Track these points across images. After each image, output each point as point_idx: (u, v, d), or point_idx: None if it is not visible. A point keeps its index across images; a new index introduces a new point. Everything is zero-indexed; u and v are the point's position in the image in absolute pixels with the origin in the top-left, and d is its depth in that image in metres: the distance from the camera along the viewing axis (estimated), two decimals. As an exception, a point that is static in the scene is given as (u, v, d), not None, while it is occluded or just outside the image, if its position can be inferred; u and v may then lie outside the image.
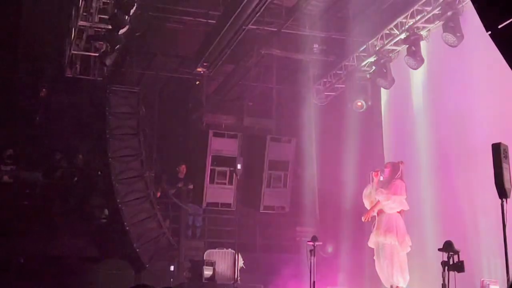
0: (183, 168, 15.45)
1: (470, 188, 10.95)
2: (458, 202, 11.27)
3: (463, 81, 11.46)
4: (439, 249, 7.68)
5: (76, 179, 15.70)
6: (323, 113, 15.02)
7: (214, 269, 13.62)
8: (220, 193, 14.48)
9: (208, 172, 14.23)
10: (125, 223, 13.54)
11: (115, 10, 11.48)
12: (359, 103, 14.19)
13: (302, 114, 15.34)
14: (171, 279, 13.27)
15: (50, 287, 12.35)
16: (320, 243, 11.01)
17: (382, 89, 13.99)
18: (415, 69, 12.42)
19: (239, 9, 11.76)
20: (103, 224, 14.95)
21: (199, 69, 14.73)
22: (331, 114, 14.78)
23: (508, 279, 6.74)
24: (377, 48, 13.30)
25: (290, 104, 15.88)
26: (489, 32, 4.32)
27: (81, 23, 13.17)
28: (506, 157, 6.90)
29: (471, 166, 10.83)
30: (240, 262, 13.73)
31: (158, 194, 14.96)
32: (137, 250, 13.50)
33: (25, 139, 15.58)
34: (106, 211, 14.90)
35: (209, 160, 14.22)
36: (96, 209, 15.50)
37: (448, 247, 7.63)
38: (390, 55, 13.40)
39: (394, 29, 12.66)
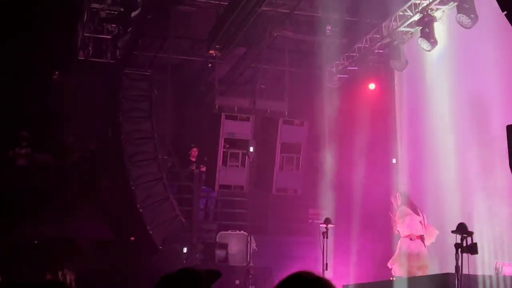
0: (194, 151, 15.47)
1: (485, 169, 10.91)
2: (473, 184, 11.23)
3: (477, 63, 11.38)
4: (453, 231, 7.65)
5: (89, 161, 15.77)
6: (336, 96, 14.96)
7: (226, 251, 13.69)
8: (232, 175, 14.48)
9: (220, 155, 14.23)
10: (138, 206, 13.61)
11: (128, -8, 11.47)
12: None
13: (314, 96, 15.29)
14: (184, 261, 13.33)
15: (64, 268, 12.43)
16: (333, 225, 11.03)
17: (395, 71, 13.91)
18: (429, 51, 12.33)
19: (251, -9, 11.71)
20: (116, 207, 15.03)
21: (211, 52, 14.69)
22: (343, 96, 14.72)
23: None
24: (391, 30, 13.21)
25: (302, 87, 15.83)
26: (505, 12, 4.28)
27: (93, 5, 13.19)
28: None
29: (487, 148, 10.79)
30: (253, 244, 13.78)
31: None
32: (150, 232, 13.57)
33: (38, 122, 15.64)
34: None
35: (221, 142, 14.21)
36: (109, 192, 15.59)
37: (461, 229, 7.60)
38: (404, 37, 13.31)
39: (408, 10, 12.56)
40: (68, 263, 12.72)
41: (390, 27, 13.20)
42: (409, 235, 11.37)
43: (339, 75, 15.18)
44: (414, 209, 11.54)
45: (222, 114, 14.26)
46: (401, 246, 11.36)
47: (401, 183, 13.58)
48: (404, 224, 11.38)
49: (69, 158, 15.73)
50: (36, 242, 13.83)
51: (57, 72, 16.28)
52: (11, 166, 15.04)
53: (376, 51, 14.00)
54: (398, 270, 11.20)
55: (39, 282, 1.20)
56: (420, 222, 11.42)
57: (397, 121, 14.03)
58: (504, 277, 9.44)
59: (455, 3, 11.53)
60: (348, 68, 14.91)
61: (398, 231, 11.44)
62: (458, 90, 12.06)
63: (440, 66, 12.68)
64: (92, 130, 16.20)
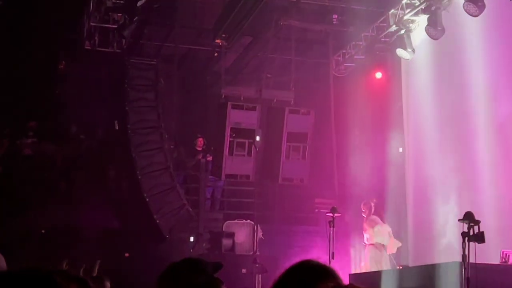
0: (200, 141, 15.48)
1: (494, 159, 10.88)
2: (479, 172, 11.21)
3: (486, 52, 11.32)
4: (459, 220, 7.64)
5: (95, 151, 15.80)
6: (342, 85, 14.92)
7: (233, 240, 13.71)
8: (239, 165, 14.49)
9: (227, 144, 14.23)
10: (145, 195, 13.64)
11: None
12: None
13: (321, 86, 15.26)
14: (191, 250, 13.37)
15: (71, 258, 12.48)
16: (339, 214, 11.04)
17: (402, 60, 13.86)
18: (436, 39, 12.28)
19: (257, -20, 11.66)
20: (123, 196, 15.07)
21: (217, 41, 14.67)
22: (350, 85, 14.68)
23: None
24: (397, 18, 13.16)
25: (309, 76, 15.80)
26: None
27: (99, -5, 13.14)
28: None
29: (496, 138, 10.75)
30: (259, 234, 13.80)
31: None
32: (157, 221, 13.60)
33: (45, 112, 15.66)
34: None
35: (228, 132, 14.21)
36: (115, 181, 15.63)
37: (468, 217, 7.59)
38: (411, 25, 13.25)
39: (415, -2, 12.51)
40: (74, 251, 12.80)
41: (397, 15, 13.15)
42: (374, 244, 11.85)
43: (345, 64, 15.14)
44: (383, 219, 12.05)
45: (228, 103, 14.25)
46: (370, 253, 11.85)
47: (406, 171, 13.57)
48: (374, 233, 11.88)
49: (75, 148, 15.75)
50: (43, 231, 13.89)
51: (63, 62, 16.29)
52: (17, 156, 15.08)
53: (383, 39, 13.95)
54: None
55: (41, 270, 1.23)
56: (388, 232, 12.11)
57: (404, 110, 13.99)
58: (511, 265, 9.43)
59: (463, -9, 11.46)
60: (355, 57, 14.86)
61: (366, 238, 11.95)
62: (464, 79, 12.01)
63: (446, 54, 12.62)
64: (99, 120, 16.21)
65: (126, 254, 13.73)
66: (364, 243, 12.40)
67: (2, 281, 1.28)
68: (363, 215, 12.43)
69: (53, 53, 15.80)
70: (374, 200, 12.42)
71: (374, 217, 12.29)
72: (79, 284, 1.45)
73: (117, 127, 14.86)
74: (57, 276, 1.33)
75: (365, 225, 12.26)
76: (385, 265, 11.91)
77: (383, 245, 12.11)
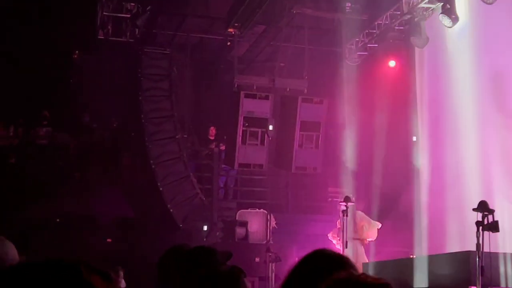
0: (212, 130, 15.50)
1: (506, 147, 10.82)
2: (493, 161, 11.15)
3: (500, 40, 11.23)
4: (474, 209, 7.61)
5: (109, 140, 15.86)
6: (356, 73, 14.86)
7: (246, 229, 13.74)
8: (252, 154, 14.49)
9: (240, 133, 14.23)
10: (159, 184, 13.70)
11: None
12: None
13: (334, 74, 15.20)
14: (204, 239, 13.42)
15: (85, 245, 12.59)
16: (353, 203, 11.04)
17: (416, 48, 13.77)
18: (450, 27, 12.18)
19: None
20: (137, 185, 15.13)
21: (230, 30, 14.64)
22: (363, 74, 14.62)
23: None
24: (411, 6, 13.06)
25: (322, 65, 15.73)
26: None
27: (112, -16, 13.15)
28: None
29: (509, 126, 10.69)
30: (272, 222, 13.83)
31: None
32: (171, 210, 13.66)
33: (59, 102, 15.73)
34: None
35: (240, 121, 14.20)
36: (129, 170, 15.69)
37: (482, 207, 7.56)
38: (424, 13, 13.15)
39: (429, -14, 12.41)
40: (89, 240, 12.89)
41: (411, 3, 13.05)
42: (361, 239, 11.77)
43: (359, 52, 15.06)
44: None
45: (241, 92, 14.24)
46: (357, 249, 11.73)
47: (420, 161, 13.53)
48: (369, 229, 11.77)
49: (89, 137, 15.82)
50: (58, 220, 13.99)
51: (77, 52, 16.34)
52: (32, 145, 15.18)
53: (397, 27, 13.86)
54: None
55: (66, 260, 1.21)
56: (377, 229, 12.07)
57: (418, 99, 13.91)
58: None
59: (477, -21, 11.36)
60: (368, 45, 14.78)
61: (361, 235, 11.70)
62: (478, 67, 11.92)
63: (461, 42, 12.53)
64: (112, 109, 16.27)
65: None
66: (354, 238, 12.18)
67: (26, 272, 1.26)
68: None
69: (67, 43, 15.84)
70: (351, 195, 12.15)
71: (361, 213, 12.15)
72: (102, 276, 1.42)
73: (130, 113, 14.91)
74: (82, 267, 1.31)
75: (359, 220, 12.07)
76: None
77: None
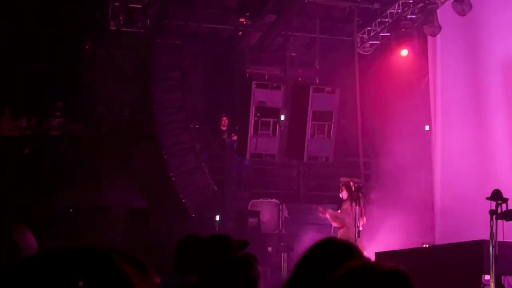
0: (224, 120, 15.50)
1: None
2: (506, 149, 11.10)
3: (510, 26, 11.14)
4: (488, 198, 7.58)
5: (121, 131, 15.90)
6: (367, 63, 14.80)
7: (259, 219, 13.76)
8: (264, 144, 14.49)
9: (251, 123, 14.23)
10: (171, 174, 13.73)
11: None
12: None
13: (346, 64, 15.15)
14: (217, 229, 13.45)
15: (98, 237, 12.65)
16: (365, 192, 11.02)
17: (428, 36, 13.69)
18: (463, 15, 12.10)
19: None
20: (149, 176, 15.18)
21: (241, 20, 14.61)
22: (375, 63, 14.56)
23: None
24: (423, -5, 12.98)
25: (334, 54, 15.68)
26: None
27: (123, -26, 13.14)
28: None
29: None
30: (285, 212, 13.84)
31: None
32: (183, 200, 13.70)
33: (71, 93, 15.78)
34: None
35: (252, 111, 14.19)
36: (141, 161, 15.73)
37: (496, 195, 7.53)
38: (437, 1, 13.07)
39: (441, -26, 12.33)
40: (102, 231, 12.95)
41: (423, -9, 12.97)
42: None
43: (371, 41, 15.00)
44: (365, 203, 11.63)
45: (253, 82, 14.22)
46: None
47: (434, 150, 13.48)
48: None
49: (101, 128, 15.87)
50: (71, 210, 14.06)
51: (88, 43, 16.36)
52: (45, 136, 15.24)
53: (409, 16, 13.78)
54: None
55: (99, 249, 1.15)
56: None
57: (430, 88, 13.85)
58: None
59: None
60: (380, 34, 14.72)
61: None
62: (490, 54, 11.84)
63: (473, 30, 12.44)
64: (124, 100, 16.30)
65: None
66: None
67: (59, 259, 1.20)
68: (340, 195, 11.84)
69: (78, 34, 15.86)
70: (355, 181, 11.87)
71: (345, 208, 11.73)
72: (136, 265, 1.35)
73: (142, 104, 14.94)
74: (115, 256, 1.24)
75: (362, 207, 11.78)
76: None
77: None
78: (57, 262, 1.18)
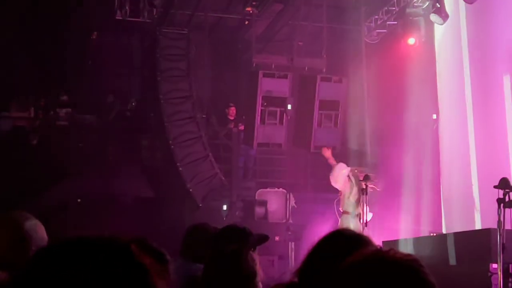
0: (232, 110, 15.49)
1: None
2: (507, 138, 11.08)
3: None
4: (495, 186, 7.56)
5: (128, 121, 15.93)
6: (375, 51, 14.75)
7: (266, 209, 13.78)
8: (270, 133, 14.49)
9: (258, 113, 14.22)
10: (178, 164, 13.75)
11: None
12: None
13: (353, 53, 15.10)
14: (224, 218, 13.48)
15: (107, 226, 12.69)
16: (373, 181, 11.01)
17: (435, 25, 13.63)
18: (470, 3, 12.03)
19: None
20: (157, 165, 15.21)
21: (248, 9, 14.58)
22: (382, 52, 14.51)
23: None
24: (431, -17, 12.91)
25: (341, 43, 15.62)
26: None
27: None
28: None
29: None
30: (292, 202, 13.85)
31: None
32: (190, 190, 13.72)
33: (78, 83, 15.81)
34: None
35: (259, 100, 14.18)
36: (148, 151, 15.77)
37: (504, 184, 7.51)
38: (444, -11, 12.99)
39: (449, -38, 12.25)
40: (110, 220, 13.00)
41: (430, -21, 12.90)
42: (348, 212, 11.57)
43: (378, 30, 14.95)
44: None
45: (260, 72, 14.20)
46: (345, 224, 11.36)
47: (441, 139, 13.45)
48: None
49: (109, 118, 15.91)
50: (79, 200, 14.11)
51: (95, 32, 16.37)
52: (53, 126, 15.29)
53: (416, 4, 13.72)
54: None
55: (118, 239, 1.10)
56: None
57: (438, 76, 13.80)
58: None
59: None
60: (387, 23, 14.66)
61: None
62: (498, 42, 11.78)
63: (481, 18, 12.38)
64: (131, 90, 16.32)
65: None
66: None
67: (76, 248, 1.16)
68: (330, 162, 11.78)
69: (85, 24, 15.87)
70: (359, 169, 11.85)
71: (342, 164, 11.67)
72: (155, 256, 1.32)
73: (148, 94, 14.95)
74: (134, 246, 1.19)
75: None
76: None
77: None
78: (70, 254, 1.15)
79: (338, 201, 11.91)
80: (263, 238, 3.87)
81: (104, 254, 1.15)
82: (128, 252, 1.17)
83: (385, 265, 1.70)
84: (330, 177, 11.92)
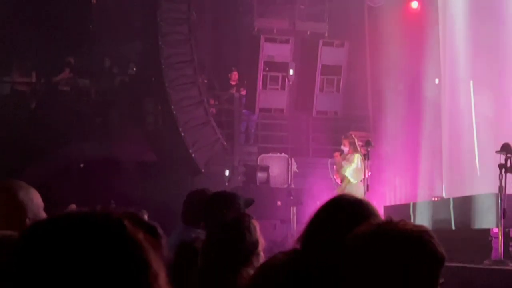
0: (234, 75, 15.42)
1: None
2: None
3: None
4: (497, 151, 7.57)
5: (129, 86, 15.89)
6: (377, 15, 14.62)
7: (268, 174, 13.81)
8: (272, 98, 14.47)
9: (260, 78, 14.18)
10: (180, 129, 13.75)
11: None
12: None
13: (355, 17, 14.97)
14: (226, 183, 13.52)
15: (109, 190, 12.75)
16: (374, 146, 11.01)
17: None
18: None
19: None
20: (159, 130, 15.22)
21: (249, -29, 14.43)
22: (385, 16, 14.38)
23: None
24: None
25: (343, 7, 15.47)
26: None
27: None
28: None
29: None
30: (294, 167, 13.88)
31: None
32: (193, 155, 13.75)
33: (79, 47, 15.72)
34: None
35: (261, 65, 14.13)
36: (150, 115, 15.77)
37: (505, 149, 7.51)
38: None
39: None
40: (112, 184, 13.06)
41: None
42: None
43: (380, -7, 14.80)
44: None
45: (261, 36, 14.11)
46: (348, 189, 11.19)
47: (443, 103, 13.42)
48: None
49: (110, 83, 15.87)
50: (81, 165, 14.15)
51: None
52: (54, 91, 15.25)
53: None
54: None
55: (111, 214, 1.09)
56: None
57: (441, 41, 13.70)
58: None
59: None
60: (390, -14, 14.50)
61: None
62: (502, 5, 11.68)
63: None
64: (132, 54, 16.23)
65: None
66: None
67: (69, 224, 1.14)
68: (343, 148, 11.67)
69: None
70: (363, 135, 11.73)
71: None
72: (148, 230, 1.31)
73: (149, 58, 14.87)
74: (127, 221, 1.17)
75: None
76: None
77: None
78: (65, 232, 1.13)
79: (334, 168, 11.89)
80: (249, 202, 3.93)
81: (98, 230, 1.14)
82: (121, 227, 1.16)
83: (395, 237, 1.71)
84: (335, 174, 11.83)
